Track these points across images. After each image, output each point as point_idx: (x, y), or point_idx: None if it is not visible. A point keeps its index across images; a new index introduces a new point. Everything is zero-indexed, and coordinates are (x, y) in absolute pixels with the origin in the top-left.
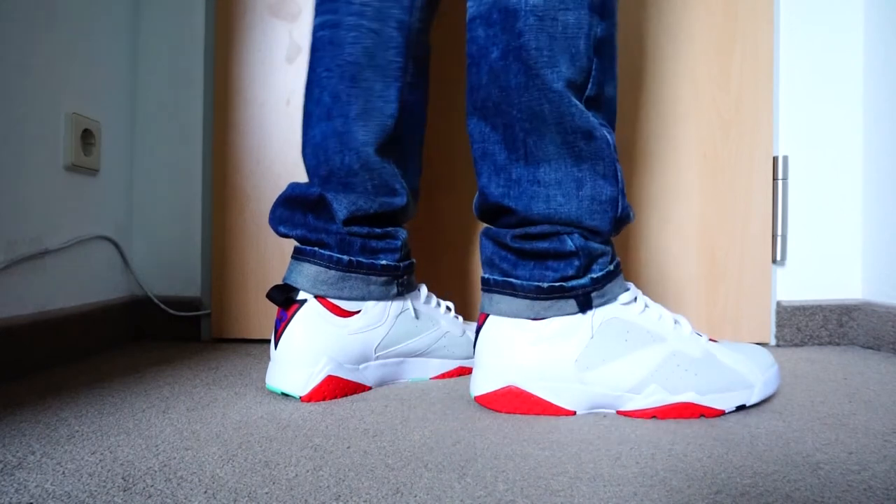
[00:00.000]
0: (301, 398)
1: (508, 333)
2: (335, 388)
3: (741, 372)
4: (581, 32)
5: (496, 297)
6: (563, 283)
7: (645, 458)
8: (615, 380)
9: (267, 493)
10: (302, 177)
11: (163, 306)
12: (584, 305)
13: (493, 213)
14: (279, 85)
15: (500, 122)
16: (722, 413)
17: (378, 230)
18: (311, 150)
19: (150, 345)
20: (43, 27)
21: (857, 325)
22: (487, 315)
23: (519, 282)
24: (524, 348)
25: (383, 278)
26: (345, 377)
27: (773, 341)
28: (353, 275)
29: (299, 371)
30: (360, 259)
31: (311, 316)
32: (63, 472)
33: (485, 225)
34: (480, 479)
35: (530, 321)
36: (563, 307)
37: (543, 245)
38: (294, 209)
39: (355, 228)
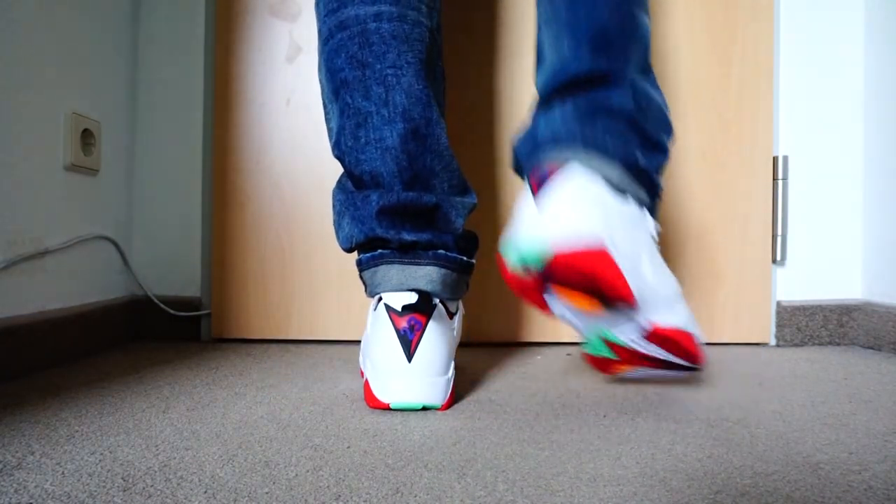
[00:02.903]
0: (441, 408)
1: (602, 193)
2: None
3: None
4: None
5: (584, 152)
6: (650, 170)
7: (645, 458)
8: (664, 288)
9: (267, 493)
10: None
11: (163, 306)
12: (653, 197)
13: (585, 81)
14: (279, 85)
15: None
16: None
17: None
18: (382, 153)
19: (150, 345)
20: (43, 27)
21: (857, 325)
22: (562, 165)
23: (612, 147)
24: (618, 217)
25: (468, 276)
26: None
27: (773, 341)
28: (464, 275)
29: (439, 379)
30: (470, 259)
31: (444, 321)
32: (63, 473)
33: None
34: (480, 479)
35: (615, 193)
36: (637, 192)
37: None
38: (411, 217)
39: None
